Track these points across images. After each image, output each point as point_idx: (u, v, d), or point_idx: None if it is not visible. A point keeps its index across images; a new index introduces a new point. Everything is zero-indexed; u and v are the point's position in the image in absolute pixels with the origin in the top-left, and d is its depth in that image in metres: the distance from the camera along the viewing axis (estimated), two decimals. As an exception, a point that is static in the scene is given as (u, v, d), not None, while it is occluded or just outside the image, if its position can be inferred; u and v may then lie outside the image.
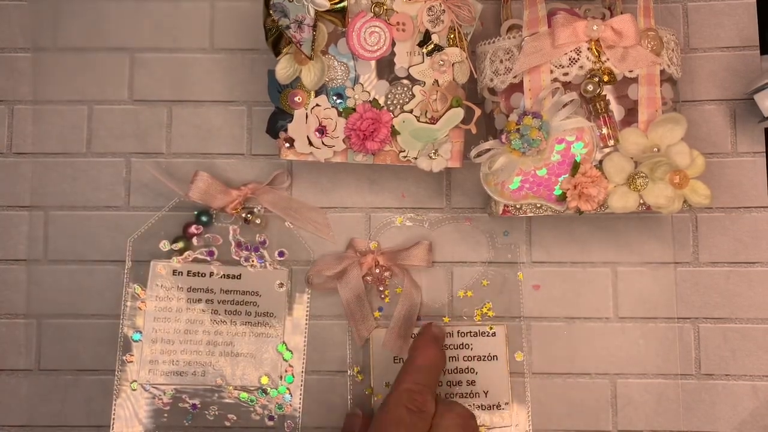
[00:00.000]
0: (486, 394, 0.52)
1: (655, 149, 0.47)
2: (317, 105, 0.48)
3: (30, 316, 0.54)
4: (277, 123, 0.49)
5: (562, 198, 0.47)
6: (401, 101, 0.49)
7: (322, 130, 0.48)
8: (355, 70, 0.48)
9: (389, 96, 0.49)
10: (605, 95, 0.47)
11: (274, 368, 0.53)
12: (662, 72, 0.48)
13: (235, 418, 0.53)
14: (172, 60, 0.55)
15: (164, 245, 0.53)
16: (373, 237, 0.54)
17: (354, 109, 0.48)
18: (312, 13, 0.47)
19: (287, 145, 0.49)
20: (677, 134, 0.47)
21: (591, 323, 0.53)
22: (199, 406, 0.53)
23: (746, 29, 0.54)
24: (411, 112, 0.48)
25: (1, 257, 0.54)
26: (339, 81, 0.48)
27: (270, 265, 0.54)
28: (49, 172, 0.55)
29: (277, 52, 0.48)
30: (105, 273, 0.54)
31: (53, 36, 0.55)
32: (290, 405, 0.53)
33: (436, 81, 0.48)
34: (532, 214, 0.48)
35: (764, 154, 0.54)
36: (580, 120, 0.46)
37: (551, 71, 0.47)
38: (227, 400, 0.53)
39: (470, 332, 0.53)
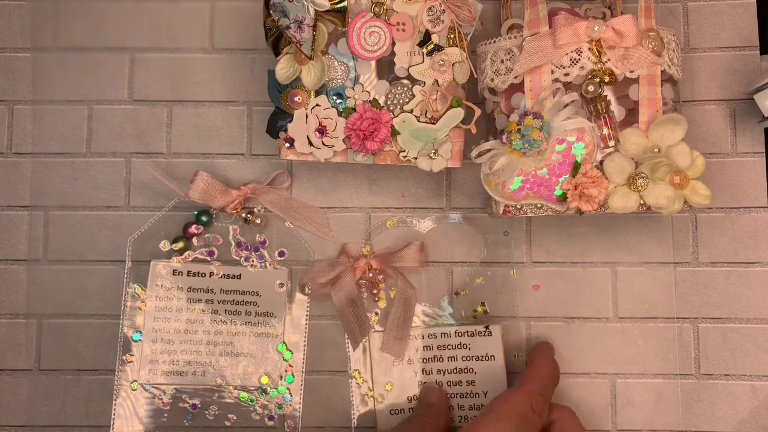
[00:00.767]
0: (485, 394, 0.52)
1: (656, 150, 0.47)
2: (317, 105, 0.48)
3: (30, 315, 0.54)
4: (277, 123, 0.49)
5: (563, 198, 0.47)
6: (401, 101, 0.49)
7: (322, 130, 0.48)
8: (355, 70, 0.48)
9: (389, 96, 0.49)
10: (606, 95, 0.47)
11: (274, 368, 0.53)
12: (663, 72, 0.48)
13: (235, 417, 0.53)
14: (172, 60, 0.55)
15: (164, 245, 0.53)
16: (371, 238, 0.54)
17: (354, 109, 0.48)
18: (312, 13, 0.47)
19: (287, 145, 0.49)
20: (678, 135, 0.47)
21: (591, 323, 0.53)
22: (199, 405, 0.53)
23: (746, 29, 0.54)
24: (411, 112, 0.48)
25: (1, 257, 0.54)
26: (339, 81, 0.48)
27: (270, 265, 0.54)
28: (49, 172, 0.54)
29: (277, 52, 0.48)
30: (105, 273, 0.54)
31: (53, 36, 0.55)
32: (290, 405, 0.53)
33: (436, 81, 0.48)
34: (532, 215, 0.48)
35: (764, 154, 0.54)
36: (581, 120, 0.46)
37: (552, 71, 0.47)
38: (227, 400, 0.53)
39: (467, 332, 0.53)
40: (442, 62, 0.48)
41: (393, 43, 0.48)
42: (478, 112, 0.48)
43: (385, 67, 0.49)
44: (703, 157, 0.47)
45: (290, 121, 0.49)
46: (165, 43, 0.55)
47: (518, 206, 0.48)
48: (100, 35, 0.55)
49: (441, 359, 0.53)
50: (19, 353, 0.54)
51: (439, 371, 0.52)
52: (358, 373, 0.53)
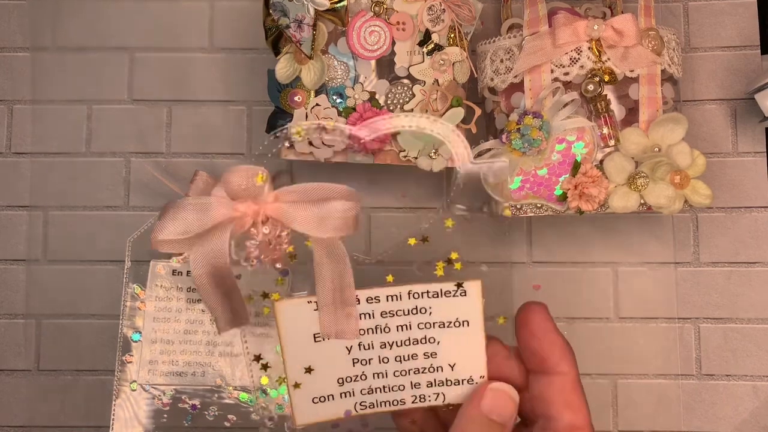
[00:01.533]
0: (452, 367, 0.40)
1: (656, 149, 0.46)
2: (317, 104, 0.48)
3: (29, 316, 0.54)
4: (277, 122, 0.49)
5: (563, 198, 0.47)
6: (401, 101, 0.49)
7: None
8: (355, 70, 0.48)
9: (389, 95, 0.49)
10: (606, 95, 0.47)
11: (274, 369, 0.53)
12: (663, 71, 0.48)
13: (235, 418, 0.53)
14: (171, 59, 0.55)
15: (164, 245, 0.53)
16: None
17: (354, 109, 0.48)
18: (312, 12, 0.47)
19: (287, 144, 0.49)
20: (678, 134, 0.47)
21: (591, 323, 0.53)
22: (198, 406, 0.53)
23: (747, 28, 0.54)
24: (411, 111, 0.48)
25: (0, 257, 0.54)
26: (339, 80, 0.48)
27: (269, 265, 0.54)
28: (49, 171, 0.54)
29: (276, 52, 0.48)
30: (104, 273, 0.54)
31: (52, 35, 0.55)
32: (290, 405, 0.53)
33: (437, 80, 0.48)
34: (532, 214, 0.48)
35: (765, 153, 0.54)
36: (581, 120, 0.46)
37: (552, 71, 0.47)
38: (227, 401, 0.53)
39: (427, 293, 0.39)
40: (442, 62, 0.48)
41: (393, 43, 0.48)
42: (478, 111, 0.48)
43: (385, 66, 0.49)
44: (704, 156, 0.47)
45: (290, 120, 0.48)
46: (165, 43, 0.55)
47: (518, 206, 0.48)
48: (99, 35, 0.55)
49: (386, 329, 0.40)
50: (18, 354, 0.54)
51: (382, 344, 0.40)
52: (257, 356, 0.43)
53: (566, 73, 0.47)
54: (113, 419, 0.52)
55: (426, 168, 0.49)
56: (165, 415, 0.52)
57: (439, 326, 0.40)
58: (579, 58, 0.46)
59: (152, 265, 0.53)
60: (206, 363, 0.53)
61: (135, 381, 0.52)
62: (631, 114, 0.48)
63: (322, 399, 0.41)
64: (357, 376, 0.41)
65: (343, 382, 0.41)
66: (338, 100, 0.48)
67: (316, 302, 0.39)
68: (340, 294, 0.38)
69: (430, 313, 0.40)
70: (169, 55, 0.55)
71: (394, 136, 0.49)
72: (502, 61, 0.48)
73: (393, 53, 0.48)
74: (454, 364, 0.40)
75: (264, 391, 0.53)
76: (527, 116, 0.46)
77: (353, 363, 0.40)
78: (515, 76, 0.47)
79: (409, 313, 0.40)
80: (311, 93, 0.48)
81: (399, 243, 0.40)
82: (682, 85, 0.54)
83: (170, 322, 0.53)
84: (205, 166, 0.54)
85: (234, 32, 0.55)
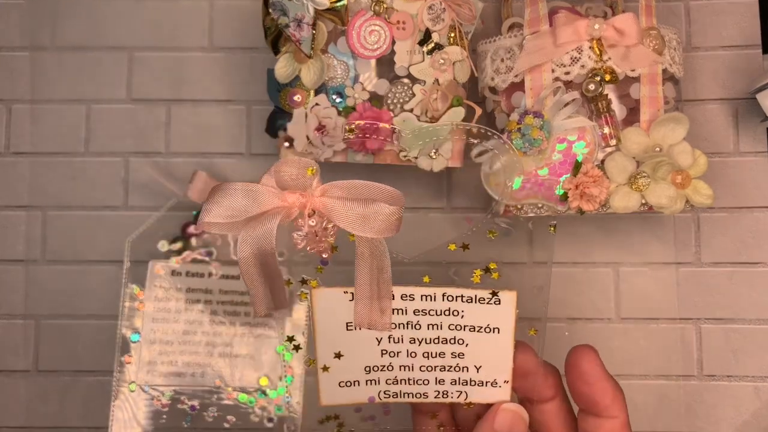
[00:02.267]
0: (478, 369, 0.42)
1: (657, 149, 0.46)
2: (317, 104, 0.48)
3: (28, 316, 0.54)
4: (276, 122, 0.49)
5: (564, 198, 0.47)
6: (401, 100, 0.48)
7: (321, 129, 0.48)
8: (355, 69, 0.48)
9: (389, 95, 0.48)
10: (607, 94, 0.47)
11: (273, 369, 0.53)
12: (664, 71, 0.47)
13: (234, 419, 0.53)
14: (170, 59, 0.55)
15: (163, 245, 0.53)
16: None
17: (354, 108, 0.48)
18: (311, 11, 0.46)
19: (287, 144, 0.48)
20: (679, 134, 0.47)
21: (592, 324, 0.53)
22: (198, 407, 0.52)
23: (748, 28, 0.54)
24: (411, 111, 0.48)
25: (-1, 257, 0.54)
26: (339, 80, 0.48)
27: (269, 265, 0.53)
28: (47, 171, 0.54)
29: (276, 51, 0.48)
30: (103, 273, 0.54)
31: (51, 35, 0.55)
32: (290, 406, 0.53)
33: (437, 80, 0.48)
34: (533, 214, 0.48)
35: (767, 153, 0.53)
36: (582, 119, 0.46)
37: (552, 70, 0.47)
38: (226, 402, 0.53)
39: (461, 297, 0.41)
40: (442, 61, 0.48)
41: (393, 42, 0.48)
42: (478, 111, 0.48)
43: (385, 66, 0.49)
44: (705, 156, 0.47)
45: (290, 120, 0.48)
46: (164, 42, 0.55)
47: (519, 206, 0.48)
48: (98, 34, 0.55)
49: (417, 326, 0.41)
50: (17, 354, 0.53)
51: (412, 340, 0.42)
52: (290, 338, 0.43)
53: (567, 73, 0.46)
54: (112, 420, 0.52)
55: (426, 168, 0.49)
56: (164, 416, 0.52)
57: (469, 329, 0.41)
58: (580, 58, 0.46)
59: (151, 265, 0.53)
60: (205, 364, 0.53)
61: (134, 382, 0.52)
62: (632, 114, 0.47)
63: (348, 384, 0.42)
64: (384, 366, 0.42)
65: (369, 371, 0.42)
66: (338, 100, 0.48)
67: (351, 293, 0.40)
68: (377, 288, 0.39)
69: (462, 316, 0.41)
70: (168, 54, 0.55)
71: (395, 136, 0.48)
72: (502, 60, 0.48)
73: (393, 52, 0.48)
74: (480, 367, 0.42)
75: (263, 392, 0.53)
76: (528, 116, 0.46)
77: (381, 354, 0.42)
78: (516, 76, 0.47)
79: (441, 314, 0.41)
80: (311, 92, 0.48)
81: (439, 246, 0.41)
82: (683, 85, 0.53)
83: (169, 322, 0.53)
84: (204, 165, 0.54)
85: (233, 31, 0.55)
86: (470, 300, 0.41)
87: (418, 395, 0.42)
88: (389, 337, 0.42)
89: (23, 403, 0.53)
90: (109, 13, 0.55)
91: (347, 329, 0.41)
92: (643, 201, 0.47)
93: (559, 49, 0.46)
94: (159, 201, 0.54)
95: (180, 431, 0.52)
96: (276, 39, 0.47)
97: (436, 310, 0.41)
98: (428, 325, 0.41)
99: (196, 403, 0.52)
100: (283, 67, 0.48)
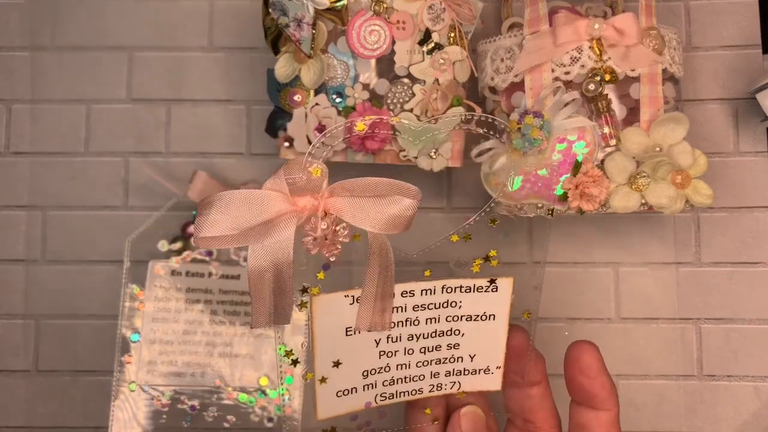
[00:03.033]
0: (472, 358, 0.42)
1: (657, 149, 0.46)
2: (317, 104, 0.48)
3: (28, 316, 0.54)
4: (276, 122, 0.49)
5: (564, 198, 0.47)
6: (401, 100, 0.48)
7: (321, 129, 0.48)
8: (355, 69, 0.48)
9: (389, 95, 0.48)
10: (607, 94, 0.47)
11: (273, 369, 0.53)
12: (664, 71, 0.47)
13: (234, 419, 0.53)
14: (170, 59, 0.55)
15: (163, 245, 0.53)
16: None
17: (354, 108, 0.48)
18: (311, 11, 0.46)
19: (286, 144, 0.48)
20: (679, 134, 0.46)
21: (592, 324, 0.53)
22: (198, 407, 0.52)
23: (748, 28, 0.54)
24: (411, 111, 0.48)
25: (-1, 257, 0.54)
26: (339, 80, 0.48)
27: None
28: (47, 171, 0.54)
29: (276, 51, 0.48)
30: (103, 273, 0.54)
31: (51, 35, 0.55)
32: (290, 406, 0.53)
33: (437, 80, 0.48)
34: (533, 215, 0.48)
35: (767, 153, 0.53)
36: (582, 119, 0.46)
37: (552, 70, 0.46)
38: (226, 402, 0.53)
39: (460, 287, 0.41)
40: (442, 61, 0.48)
41: (393, 42, 0.48)
42: (478, 111, 0.48)
43: (385, 65, 0.48)
44: (705, 156, 0.47)
45: (289, 120, 0.48)
46: (164, 42, 0.55)
47: (519, 206, 0.48)
48: (98, 34, 0.55)
49: (415, 322, 0.41)
50: (17, 354, 0.53)
51: (410, 337, 0.41)
52: (288, 352, 0.40)
53: (567, 73, 0.46)
54: (112, 420, 0.52)
55: (426, 168, 0.49)
56: (164, 416, 0.52)
57: (465, 319, 0.41)
58: (580, 58, 0.46)
59: (151, 265, 0.53)
60: (205, 364, 0.53)
61: (134, 382, 0.52)
62: (632, 113, 0.47)
63: (346, 392, 0.41)
64: (381, 368, 0.42)
65: (367, 375, 0.42)
66: (338, 100, 0.48)
67: (352, 296, 0.39)
68: (381, 287, 0.38)
69: (460, 306, 0.41)
70: (168, 54, 0.55)
71: (394, 135, 0.48)
72: (502, 60, 0.48)
73: (393, 52, 0.48)
74: (474, 355, 0.42)
75: (263, 392, 0.53)
76: (528, 116, 0.45)
77: (379, 355, 0.41)
78: (516, 76, 0.47)
79: (439, 307, 0.41)
80: (311, 92, 0.48)
81: (441, 239, 0.40)
82: (683, 85, 0.53)
83: (169, 322, 0.53)
84: (204, 165, 0.54)
85: (233, 31, 0.55)
86: (469, 290, 0.41)
87: (413, 392, 0.42)
88: (387, 338, 0.41)
89: (23, 403, 0.53)
90: (109, 13, 0.55)
91: (346, 335, 0.40)
92: (643, 201, 0.47)
93: (559, 49, 0.46)
94: (159, 201, 0.54)
95: (180, 431, 0.52)
96: (276, 39, 0.47)
97: (435, 303, 0.41)
98: (427, 319, 0.41)
99: (196, 403, 0.52)
100: (283, 67, 0.48)
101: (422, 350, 0.42)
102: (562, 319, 0.53)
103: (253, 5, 0.54)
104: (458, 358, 0.42)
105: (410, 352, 0.42)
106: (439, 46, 0.48)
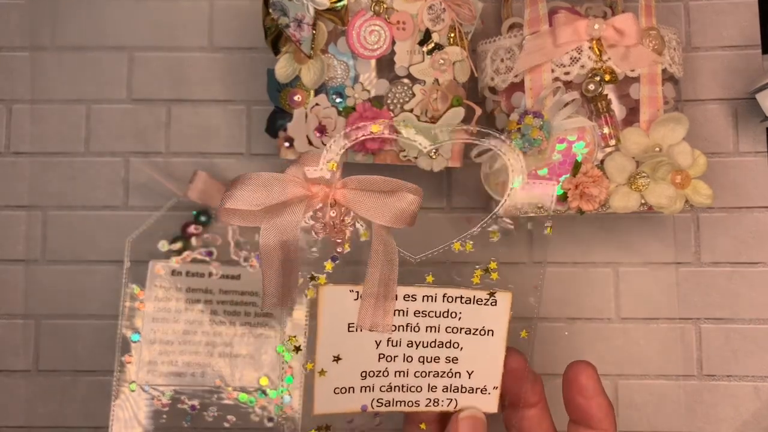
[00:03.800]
0: (470, 375, 0.42)
1: (657, 149, 0.46)
2: (317, 104, 0.48)
3: (28, 316, 0.54)
4: (276, 122, 0.49)
5: (564, 198, 0.47)
6: (401, 100, 0.48)
7: (321, 130, 0.48)
8: (355, 69, 0.48)
9: (389, 95, 0.48)
10: (607, 94, 0.47)
11: (273, 369, 0.53)
12: (664, 71, 0.47)
13: (234, 419, 0.53)
14: (170, 59, 0.55)
15: (163, 245, 0.53)
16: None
17: (354, 108, 0.48)
18: (312, 11, 0.46)
19: (287, 144, 0.48)
20: (679, 134, 0.47)
21: (592, 324, 0.53)
22: (198, 407, 0.52)
23: (748, 28, 0.54)
24: (411, 111, 0.48)
25: (-1, 257, 0.54)
26: (339, 80, 0.48)
27: (269, 265, 0.53)
28: (47, 171, 0.54)
29: (276, 51, 0.48)
30: (103, 273, 0.54)
31: (51, 35, 0.55)
32: (290, 406, 0.53)
33: (437, 80, 0.48)
34: (533, 214, 0.48)
35: (766, 153, 0.53)
36: (582, 119, 0.46)
37: (552, 70, 0.46)
38: (226, 401, 0.53)
39: (460, 298, 0.41)
40: (442, 61, 0.48)
41: (393, 42, 0.48)
42: (478, 111, 0.48)
43: (385, 66, 0.49)
44: (705, 156, 0.47)
45: (290, 120, 0.48)
46: (164, 42, 0.55)
47: (519, 206, 0.48)
48: (98, 34, 0.55)
49: (416, 328, 0.42)
50: (17, 354, 0.53)
51: (410, 343, 0.42)
52: (293, 339, 0.41)
53: (567, 73, 0.46)
54: (112, 420, 0.52)
55: (426, 168, 0.49)
56: (164, 416, 0.52)
57: (465, 332, 0.42)
58: (579, 58, 0.46)
59: (151, 265, 0.53)
60: (205, 363, 0.53)
61: (134, 382, 0.52)
62: (632, 114, 0.47)
63: (343, 390, 0.42)
64: (380, 371, 0.42)
65: (365, 376, 0.42)
66: (338, 100, 0.48)
67: (357, 292, 0.40)
68: (384, 287, 0.40)
69: (460, 318, 0.42)
70: (168, 54, 0.55)
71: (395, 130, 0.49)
72: (502, 60, 0.48)
73: (393, 53, 0.48)
74: (472, 372, 0.42)
75: (263, 392, 0.53)
76: (528, 116, 0.46)
77: (379, 358, 0.41)
78: (516, 76, 0.47)
79: (440, 316, 0.41)
80: (311, 92, 0.48)
81: (443, 246, 0.41)
82: (683, 85, 0.53)
83: (169, 322, 0.53)
84: (204, 165, 0.54)
85: (233, 31, 0.55)
86: (468, 301, 0.42)
87: (410, 403, 0.42)
88: (388, 340, 0.42)
89: (23, 403, 0.53)
90: (109, 13, 0.55)
91: (349, 330, 0.41)
92: (643, 201, 0.47)
93: (559, 49, 0.46)
94: (159, 201, 0.54)
95: (180, 431, 0.52)
96: (276, 39, 0.47)
97: (436, 312, 0.42)
98: (427, 327, 0.42)
99: (196, 402, 0.52)
100: (283, 67, 0.48)
101: (421, 359, 0.42)
102: (562, 319, 0.53)
103: (253, 5, 0.54)
104: (456, 373, 0.42)
105: (409, 359, 0.42)
106: (439, 47, 0.48)
